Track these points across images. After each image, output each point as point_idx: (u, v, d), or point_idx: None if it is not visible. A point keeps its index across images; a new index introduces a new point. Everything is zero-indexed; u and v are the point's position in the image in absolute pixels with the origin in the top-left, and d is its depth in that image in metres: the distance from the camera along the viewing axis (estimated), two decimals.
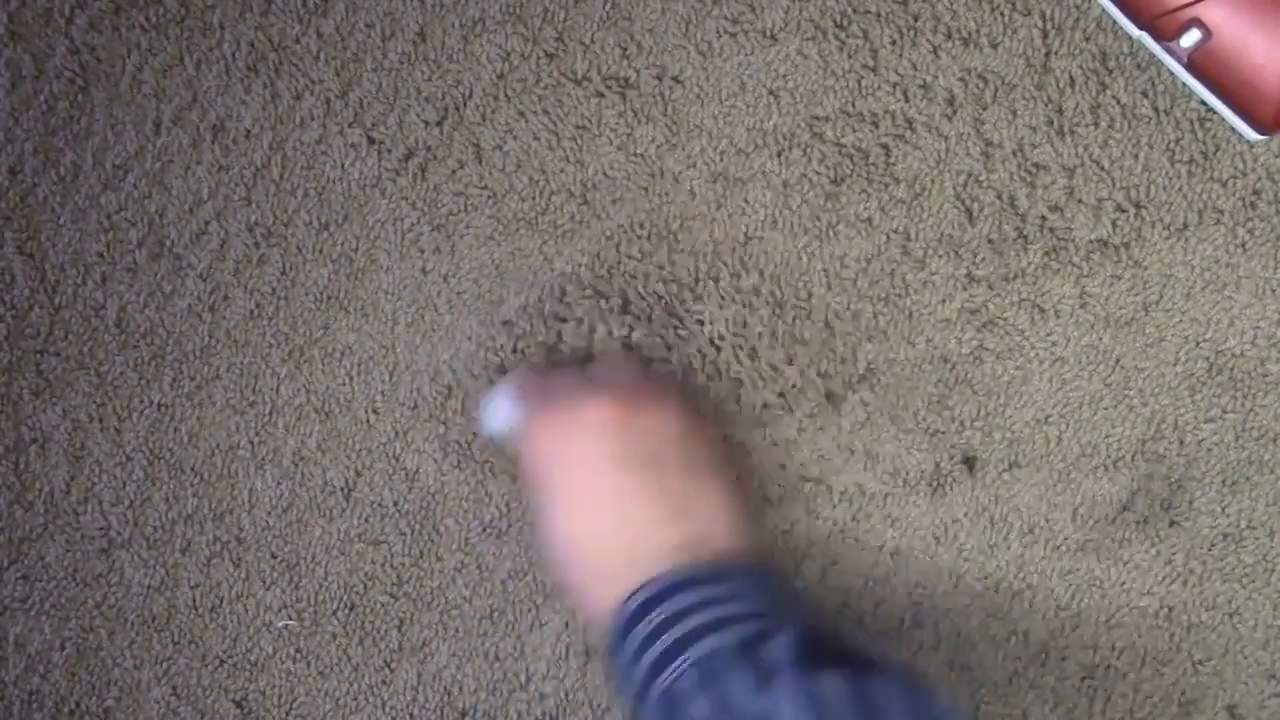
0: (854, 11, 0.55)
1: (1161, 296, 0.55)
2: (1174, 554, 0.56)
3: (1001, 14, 0.55)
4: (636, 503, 0.47)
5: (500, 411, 0.54)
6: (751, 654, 0.42)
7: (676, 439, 0.49)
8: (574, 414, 0.49)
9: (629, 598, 0.46)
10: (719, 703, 0.41)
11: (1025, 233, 0.55)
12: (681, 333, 0.56)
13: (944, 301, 0.56)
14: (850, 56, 0.55)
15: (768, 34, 0.56)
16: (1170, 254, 0.55)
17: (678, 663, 0.43)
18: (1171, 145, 0.55)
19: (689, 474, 0.49)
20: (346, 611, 0.59)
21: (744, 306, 0.56)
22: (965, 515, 0.57)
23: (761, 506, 0.56)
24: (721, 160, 0.56)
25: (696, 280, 0.57)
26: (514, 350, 0.57)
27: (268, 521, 0.59)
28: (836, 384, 0.56)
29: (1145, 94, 0.55)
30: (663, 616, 0.44)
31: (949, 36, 0.55)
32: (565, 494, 0.49)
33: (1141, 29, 0.52)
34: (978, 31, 0.55)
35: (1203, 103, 0.54)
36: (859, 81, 0.55)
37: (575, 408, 0.49)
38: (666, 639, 0.43)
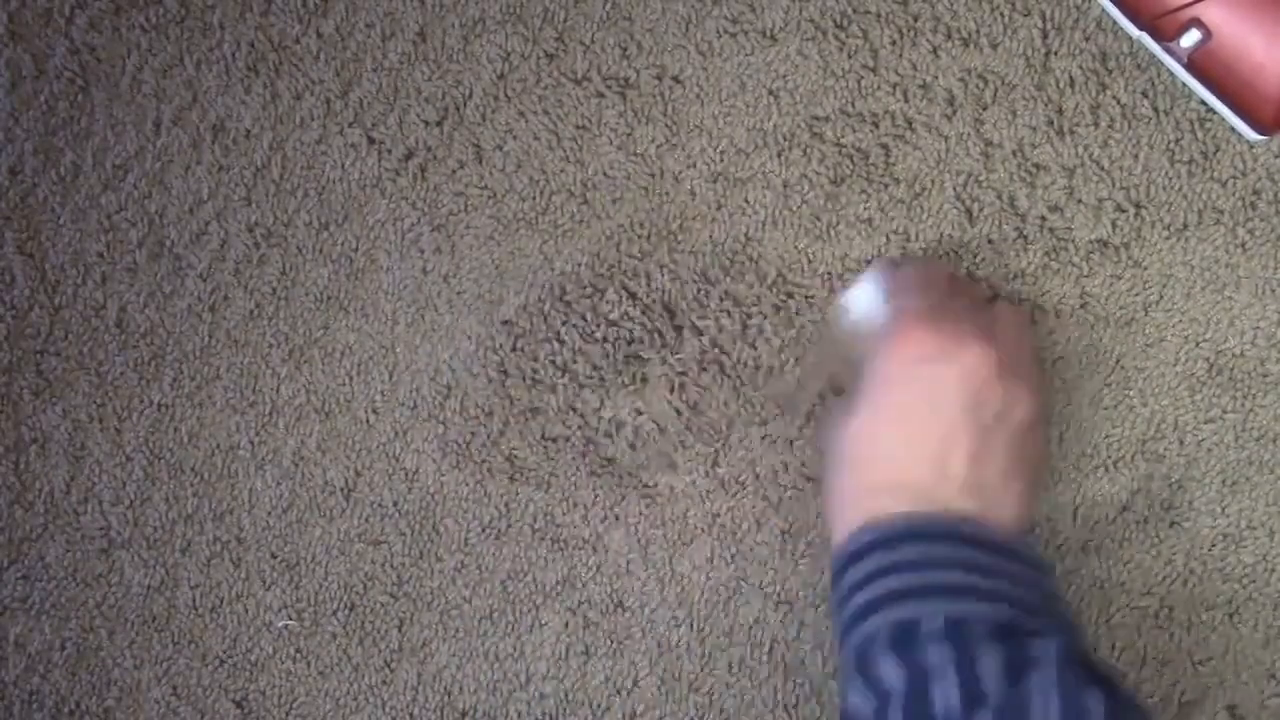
0: (854, 11, 0.55)
1: (1161, 296, 0.55)
2: (1174, 554, 0.56)
3: (1001, 14, 0.55)
4: (955, 453, 0.46)
5: (867, 295, 0.52)
6: (1010, 640, 0.41)
7: (1021, 424, 0.48)
8: (958, 343, 0.47)
9: (897, 518, 0.45)
10: (964, 670, 0.40)
11: (1025, 233, 0.55)
12: (680, 333, 0.56)
13: None
14: (850, 56, 0.55)
15: (768, 34, 0.56)
16: (1170, 254, 0.55)
17: (928, 606, 0.42)
18: (1171, 145, 0.55)
19: (1012, 460, 0.48)
20: (346, 611, 0.59)
21: (744, 306, 0.56)
22: None
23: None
24: (721, 160, 0.56)
25: (696, 280, 0.57)
26: (513, 349, 0.57)
27: (268, 521, 0.59)
28: (836, 384, 0.56)
29: (1145, 94, 0.55)
30: (929, 554, 0.43)
31: (949, 36, 0.55)
32: (903, 400, 0.47)
33: (1141, 29, 0.52)
34: (978, 31, 0.55)
35: (1203, 103, 0.54)
36: (859, 81, 0.55)
37: (961, 338, 0.47)
38: (925, 576, 0.43)
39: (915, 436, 0.47)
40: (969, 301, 0.51)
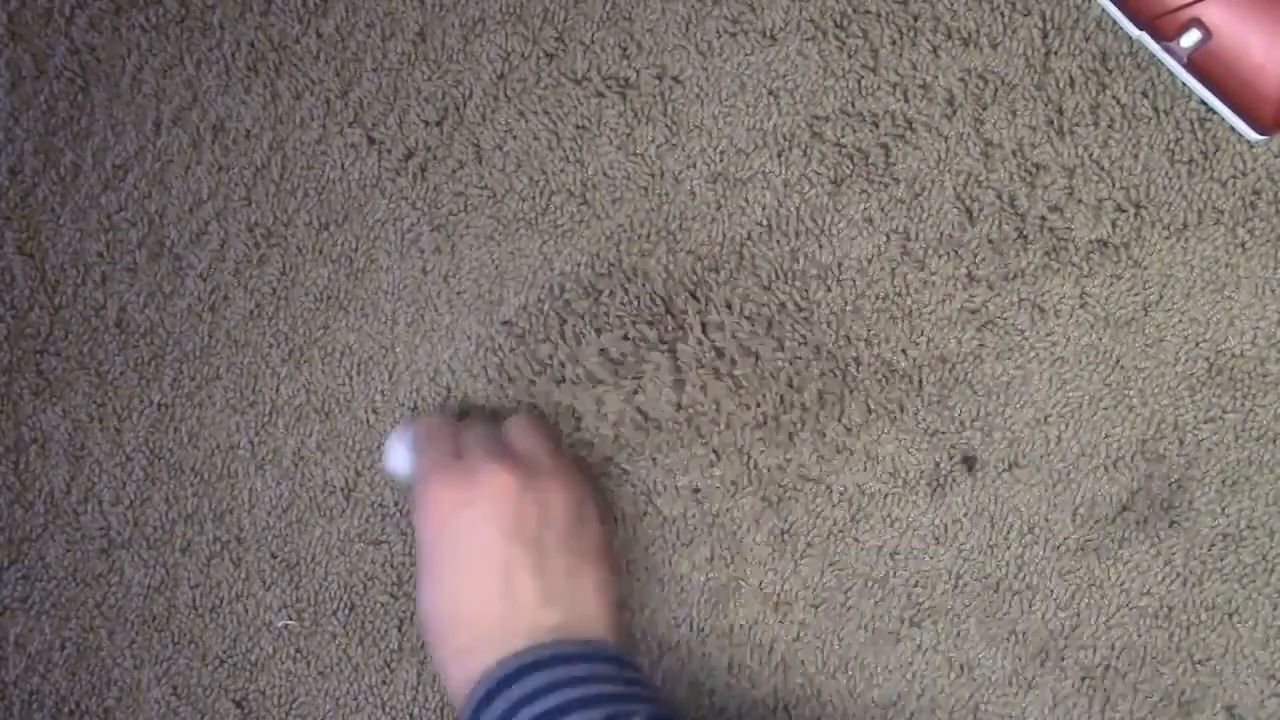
0: (854, 11, 0.55)
1: (1161, 296, 0.55)
2: (1174, 554, 0.56)
3: (1001, 14, 0.55)
4: (517, 579, 0.47)
5: (397, 455, 0.54)
6: None
7: (567, 520, 0.49)
8: (471, 479, 0.48)
9: (494, 668, 0.45)
10: None
11: (1025, 233, 0.55)
12: (680, 333, 0.56)
13: (944, 301, 0.56)
14: (850, 56, 0.55)
15: (768, 34, 0.56)
16: (1170, 254, 0.55)
17: None
18: (1171, 145, 0.55)
19: (573, 557, 0.48)
20: (346, 611, 0.59)
21: (743, 307, 0.56)
22: (965, 515, 0.57)
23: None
24: (721, 160, 0.56)
25: (696, 281, 0.57)
26: (513, 349, 0.57)
27: (268, 521, 0.59)
28: (835, 384, 0.56)
29: (1145, 94, 0.55)
30: (523, 691, 0.44)
31: (949, 36, 0.55)
32: (449, 558, 0.48)
33: (1141, 29, 0.52)
34: (978, 31, 0.55)
35: (1203, 103, 0.54)
36: (859, 81, 0.55)
37: (474, 470, 0.48)
38: (525, 714, 0.43)
39: (475, 585, 0.47)
40: (474, 435, 0.52)
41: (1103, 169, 0.55)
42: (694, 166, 0.57)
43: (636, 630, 0.58)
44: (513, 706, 0.44)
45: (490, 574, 0.47)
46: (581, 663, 0.46)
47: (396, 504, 0.58)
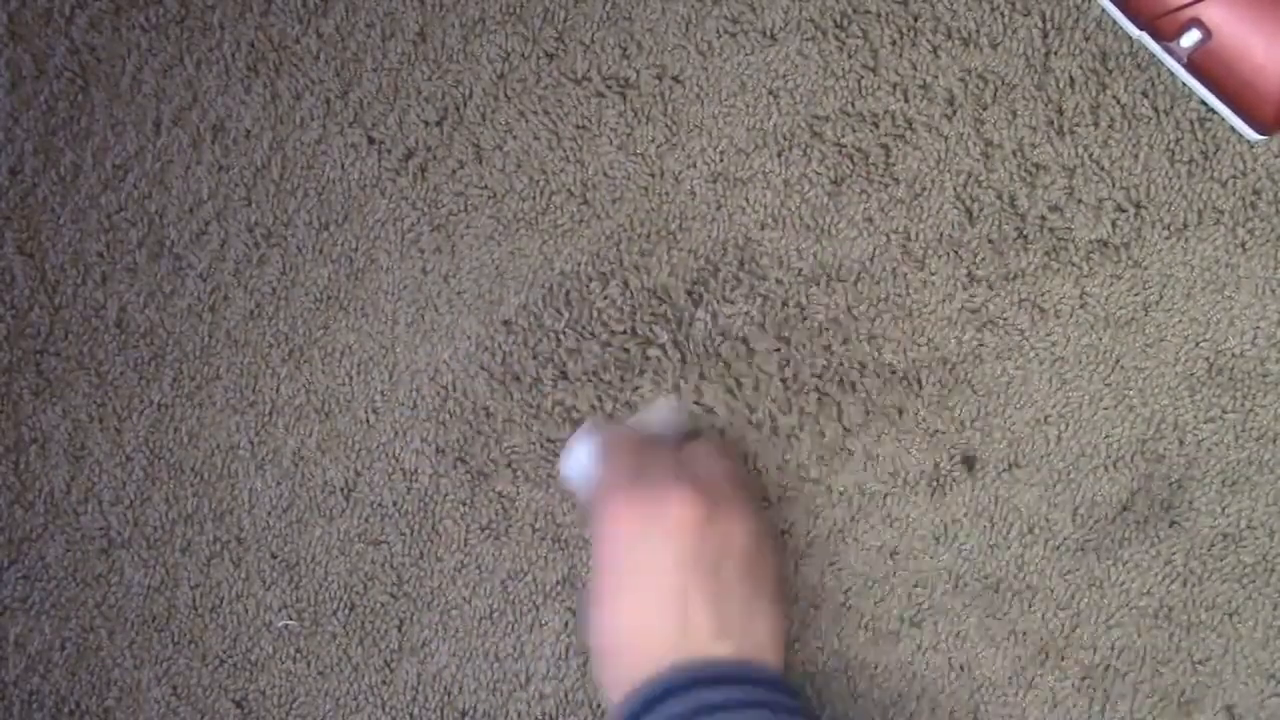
0: (854, 11, 0.55)
1: (1161, 296, 0.55)
2: (1174, 554, 0.56)
3: (1001, 14, 0.55)
4: (694, 608, 0.47)
5: (578, 462, 0.53)
6: None
7: (746, 552, 0.48)
8: (657, 502, 0.47)
9: (666, 673, 0.45)
10: None
11: (1025, 233, 0.55)
12: (680, 333, 0.56)
13: (944, 301, 0.56)
14: (850, 56, 0.55)
15: (768, 34, 0.56)
16: (1170, 254, 0.55)
17: None
18: (1171, 145, 0.55)
19: (749, 590, 0.48)
20: (346, 611, 0.59)
21: (743, 307, 0.56)
22: (965, 515, 0.57)
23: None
24: (721, 160, 0.56)
25: (696, 280, 0.57)
26: (513, 349, 0.57)
27: (268, 521, 0.59)
28: (835, 384, 0.56)
29: (1145, 94, 0.55)
30: (682, 708, 0.44)
31: (949, 36, 0.55)
32: (627, 580, 0.48)
33: (1141, 29, 0.52)
34: (978, 31, 0.55)
35: (1203, 103, 0.54)
36: (859, 81, 0.55)
37: (659, 496, 0.48)
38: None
39: (651, 607, 0.47)
40: (661, 453, 0.51)
41: (1103, 169, 0.55)
42: (694, 166, 0.57)
43: None
44: (691, 711, 0.44)
45: (668, 601, 0.47)
46: (765, 688, 0.45)
47: (396, 504, 0.58)
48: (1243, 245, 0.55)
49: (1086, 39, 0.55)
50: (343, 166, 0.57)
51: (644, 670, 0.46)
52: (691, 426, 0.55)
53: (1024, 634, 0.57)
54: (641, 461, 0.50)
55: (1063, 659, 0.57)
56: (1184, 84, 0.54)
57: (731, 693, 0.45)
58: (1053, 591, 0.57)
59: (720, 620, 0.47)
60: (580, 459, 0.53)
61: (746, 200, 0.56)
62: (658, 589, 0.47)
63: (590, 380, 0.57)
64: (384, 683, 0.59)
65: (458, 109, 0.57)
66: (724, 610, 0.47)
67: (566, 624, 0.58)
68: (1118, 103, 0.55)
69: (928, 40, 0.55)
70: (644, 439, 0.53)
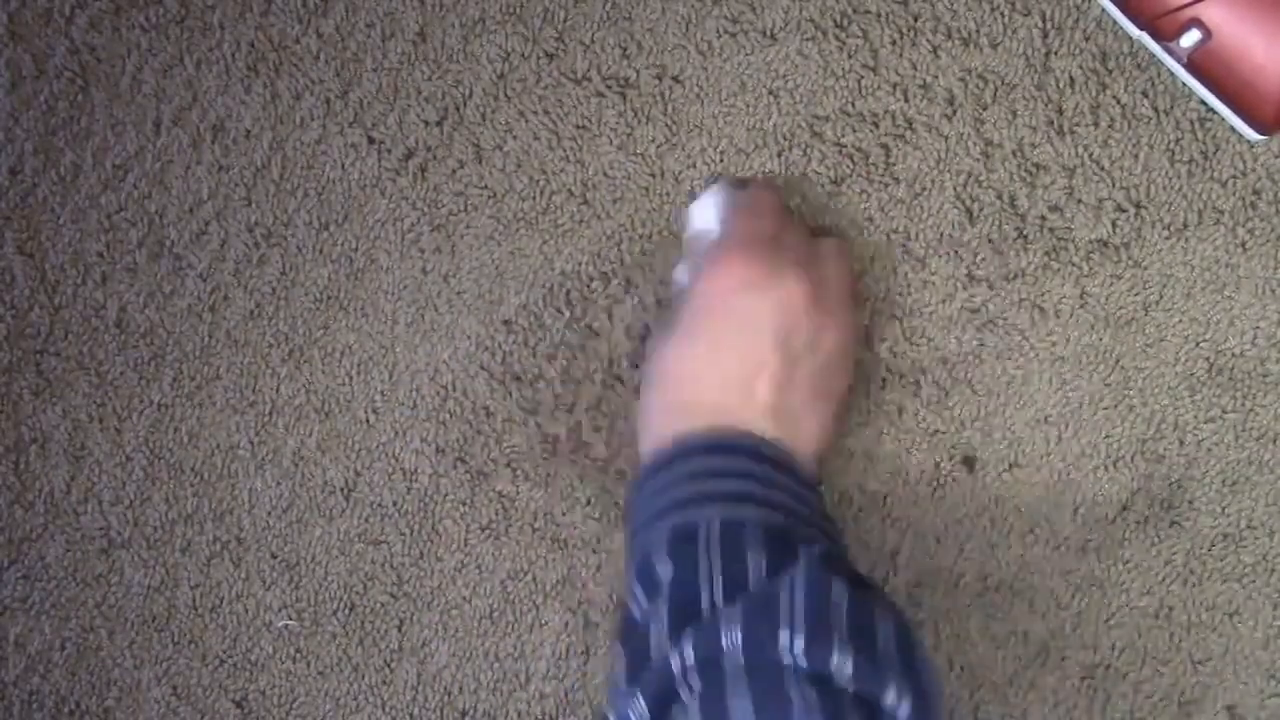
0: (854, 11, 0.55)
1: (1161, 296, 0.55)
2: (1174, 554, 0.56)
3: (1001, 14, 0.55)
4: (761, 380, 0.48)
5: (706, 212, 0.53)
6: (778, 542, 0.43)
7: (830, 357, 0.49)
8: (774, 275, 0.48)
9: (703, 433, 0.47)
10: (730, 568, 0.42)
11: (1025, 233, 0.55)
12: None
13: (944, 301, 0.56)
14: (850, 56, 0.55)
15: (768, 34, 0.56)
16: (1170, 254, 0.55)
17: (707, 511, 0.44)
18: (1171, 145, 0.55)
19: (816, 391, 0.49)
20: (346, 611, 0.59)
21: None
22: (965, 515, 0.57)
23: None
24: (721, 160, 0.56)
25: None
26: (513, 349, 0.57)
27: (268, 521, 0.59)
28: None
29: (1145, 94, 0.55)
30: (712, 464, 0.45)
31: (949, 36, 0.55)
32: (714, 327, 0.48)
33: (1141, 29, 0.52)
34: (978, 31, 0.55)
35: (1203, 103, 0.54)
36: (859, 81, 0.55)
37: (778, 271, 0.48)
38: (708, 485, 0.45)
39: (724, 361, 0.48)
40: (795, 231, 0.52)
41: (1103, 169, 0.55)
42: (694, 166, 0.57)
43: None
44: (695, 474, 0.45)
45: (742, 361, 0.48)
46: (786, 472, 0.46)
47: (396, 504, 0.58)
48: (1243, 245, 0.55)
49: (1086, 39, 0.55)
50: (343, 166, 0.57)
51: (688, 418, 0.48)
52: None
53: (1024, 634, 0.57)
54: (778, 229, 0.51)
55: (1063, 659, 0.57)
56: (1184, 84, 0.54)
57: (752, 465, 0.46)
58: (1053, 591, 0.57)
59: (778, 404, 0.48)
60: (708, 208, 0.53)
61: None
62: (737, 349, 0.48)
63: (590, 380, 0.57)
64: (384, 683, 0.59)
65: (458, 109, 0.57)
66: (785, 397, 0.48)
67: (566, 624, 0.58)
68: (1118, 103, 0.55)
69: (928, 40, 0.55)
70: (786, 209, 0.54)
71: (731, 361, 0.48)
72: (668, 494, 0.46)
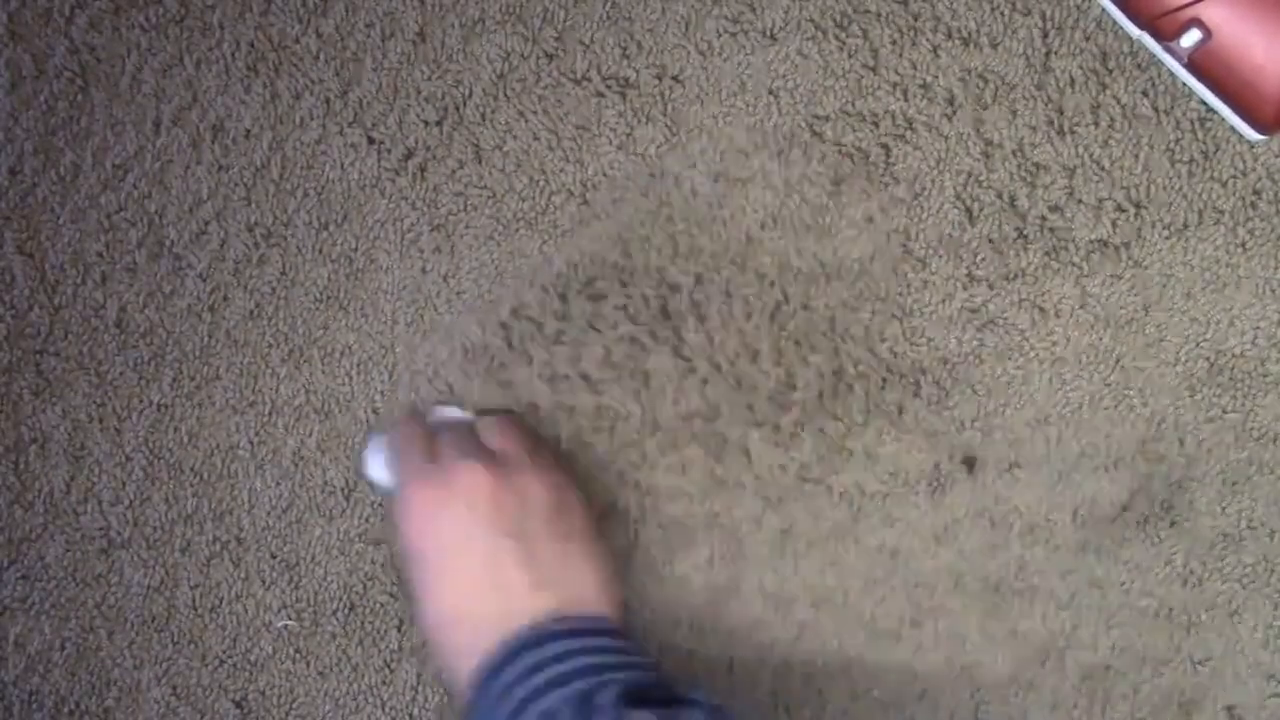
0: (854, 11, 0.55)
1: (1161, 296, 0.55)
2: (1174, 554, 0.56)
3: (1001, 14, 0.55)
4: (505, 570, 0.48)
5: (375, 464, 0.55)
6: (586, 705, 0.43)
7: (547, 507, 0.50)
8: (447, 480, 0.49)
9: (495, 651, 0.47)
10: None
11: (1025, 233, 0.55)
12: (680, 333, 0.56)
13: (944, 301, 0.56)
14: (850, 56, 0.55)
15: (768, 34, 0.56)
16: (1170, 254, 0.55)
17: (565, 691, 0.44)
18: (1171, 145, 0.55)
19: (558, 542, 0.49)
20: (346, 611, 0.59)
21: (744, 306, 0.56)
22: (965, 515, 0.57)
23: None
24: (721, 160, 0.56)
25: (696, 280, 0.57)
26: (512, 349, 0.57)
27: (268, 521, 0.59)
28: (835, 384, 0.56)
29: (1145, 94, 0.55)
30: (515, 674, 0.45)
31: (949, 36, 0.55)
32: (435, 560, 0.49)
33: (1141, 29, 0.52)
34: (978, 31, 0.55)
35: (1203, 103, 0.54)
36: (859, 81, 0.55)
37: (449, 473, 0.49)
38: (518, 692, 0.44)
39: (465, 583, 0.48)
40: (450, 438, 0.52)
41: (1103, 169, 0.55)
42: (694, 166, 0.57)
43: (637, 630, 0.58)
44: (505, 689, 0.45)
45: (478, 569, 0.48)
46: (572, 638, 0.46)
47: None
48: (1243, 245, 0.55)
49: (1086, 39, 0.54)
50: (343, 166, 0.57)
51: (477, 650, 0.47)
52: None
53: (1024, 634, 0.57)
54: (432, 446, 0.52)
55: (1063, 659, 0.57)
56: (1184, 84, 0.54)
57: (553, 647, 0.46)
58: (1053, 591, 0.57)
59: (535, 573, 0.48)
60: (378, 461, 0.55)
61: (747, 200, 0.56)
62: (466, 559, 0.48)
63: (590, 380, 0.57)
64: (384, 683, 0.59)
65: (458, 109, 0.57)
66: (536, 565, 0.48)
67: None
68: (1118, 103, 0.55)
69: (928, 40, 0.55)
70: (433, 425, 0.55)
71: (473, 580, 0.48)
72: (523, 685, 0.45)
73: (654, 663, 0.49)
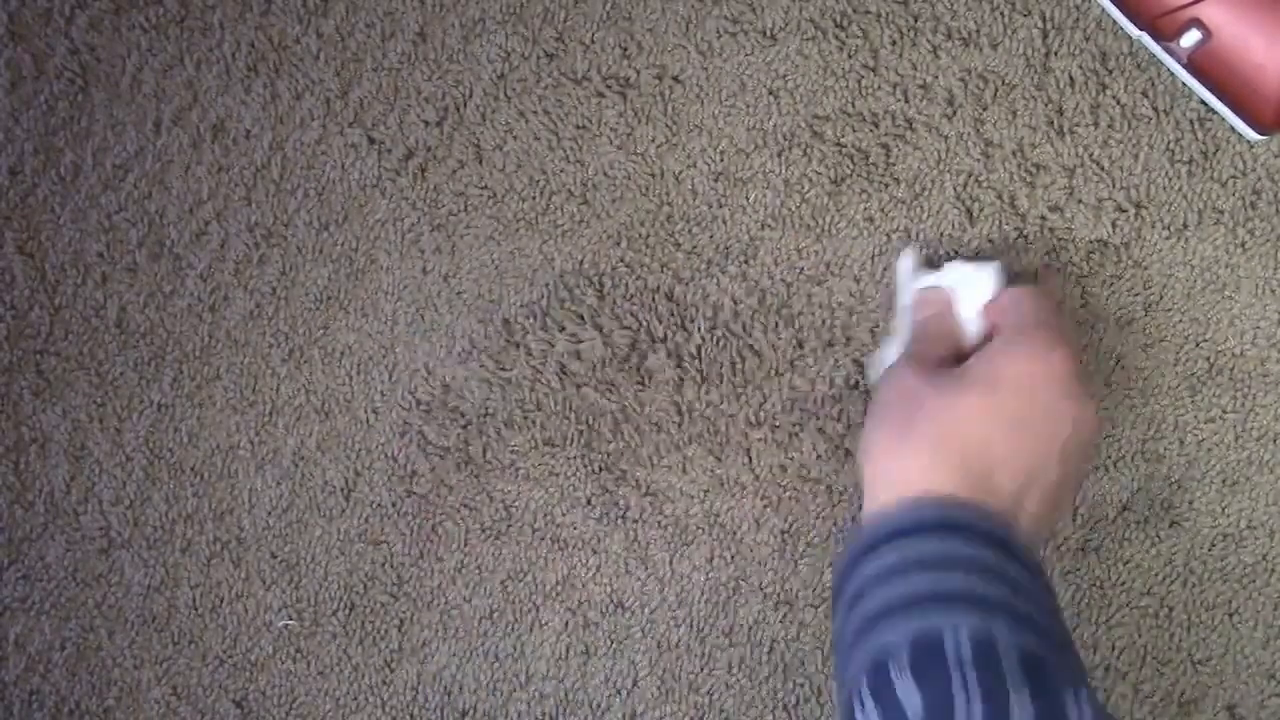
0: (854, 11, 0.55)
1: (1161, 296, 0.55)
2: (1174, 554, 0.56)
3: (1001, 14, 0.55)
4: (1037, 492, 0.44)
5: (988, 283, 0.51)
6: (1038, 679, 0.38)
7: (1084, 442, 0.46)
8: (1085, 394, 0.45)
9: (939, 501, 0.42)
10: (991, 709, 0.37)
11: (1025, 233, 0.55)
12: (681, 333, 0.56)
13: None
14: (850, 56, 0.55)
15: (768, 34, 0.56)
16: (1170, 254, 0.55)
17: (953, 618, 0.39)
18: (1171, 145, 0.55)
19: (1065, 473, 0.46)
20: (346, 611, 0.59)
21: (744, 306, 0.56)
22: None
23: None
24: (722, 160, 0.56)
25: (697, 280, 0.57)
26: (513, 349, 0.57)
27: (268, 521, 0.59)
28: (835, 383, 0.56)
29: (1145, 94, 0.55)
30: (965, 554, 0.40)
31: (949, 36, 0.55)
32: (1019, 410, 0.44)
33: (1141, 29, 0.52)
34: (978, 31, 0.55)
35: (1203, 103, 0.54)
36: (859, 81, 0.55)
37: (1085, 389, 0.45)
38: (955, 582, 0.40)
39: (1019, 447, 0.44)
40: (1031, 305, 0.50)
41: (1103, 169, 0.55)
42: (694, 166, 0.57)
43: (636, 630, 0.58)
44: (936, 561, 0.41)
45: (1032, 460, 0.44)
46: (1034, 574, 0.42)
47: (396, 504, 0.58)
48: (1243, 245, 0.55)
49: (1086, 39, 0.54)
50: (343, 166, 0.57)
51: (941, 480, 0.43)
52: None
53: None
54: (1036, 305, 0.48)
55: None
56: (1184, 84, 0.54)
57: (992, 557, 0.41)
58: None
59: (1041, 513, 0.44)
60: (987, 277, 0.51)
61: (747, 200, 0.56)
62: (1035, 446, 0.45)
63: (591, 380, 0.57)
64: (384, 683, 0.59)
65: (458, 109, 0.57)
66: (1047, 509, 0.45)
67: (566, 624, 0.58)
68: (1118, 103, 0.55)
69: (928, 40, 0.55)
70: (1042, 291, 0.51)
71: (1023, 453, 0.44)
72: (902, 580, 0.41)
73: (1041, 598, 0.43)
